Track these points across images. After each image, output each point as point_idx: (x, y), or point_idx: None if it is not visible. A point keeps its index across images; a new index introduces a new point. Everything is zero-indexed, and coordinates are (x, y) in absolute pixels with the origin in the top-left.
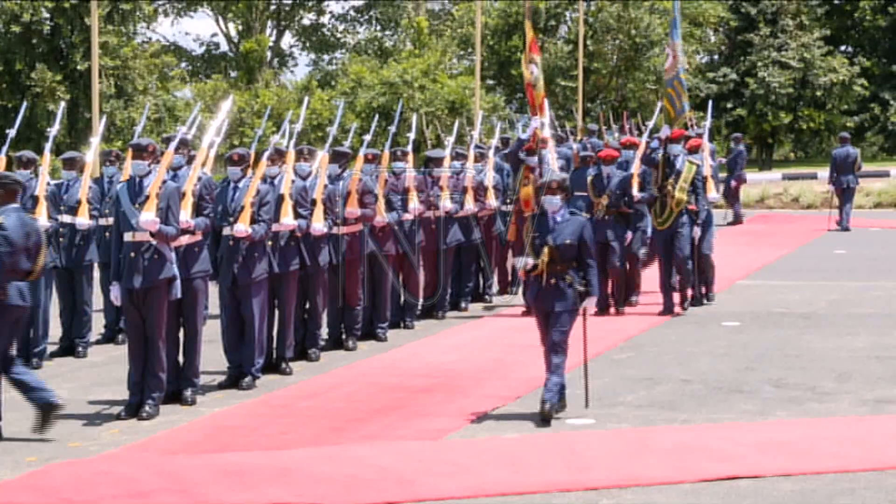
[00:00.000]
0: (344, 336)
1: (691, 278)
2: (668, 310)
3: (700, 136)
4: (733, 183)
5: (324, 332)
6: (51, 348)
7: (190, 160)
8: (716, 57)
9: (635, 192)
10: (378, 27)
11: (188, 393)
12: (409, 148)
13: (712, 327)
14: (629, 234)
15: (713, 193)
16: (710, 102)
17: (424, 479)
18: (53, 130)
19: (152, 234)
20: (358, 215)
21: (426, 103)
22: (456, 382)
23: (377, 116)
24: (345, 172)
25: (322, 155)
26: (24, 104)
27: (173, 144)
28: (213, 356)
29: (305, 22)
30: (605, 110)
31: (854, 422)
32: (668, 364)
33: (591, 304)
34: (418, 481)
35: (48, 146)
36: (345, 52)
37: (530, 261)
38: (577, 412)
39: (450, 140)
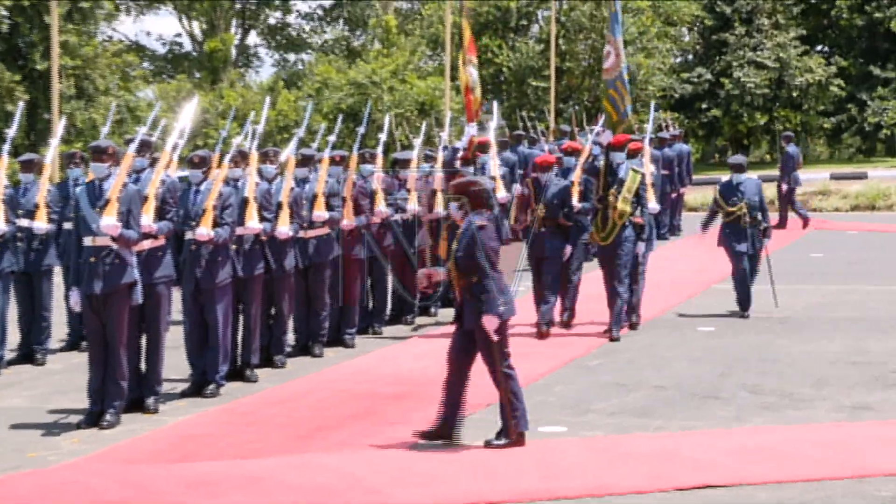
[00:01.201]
0: (310, 342)
1: (628, 296)
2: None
3: (673, 137)
4: (784, 186)
5: (290, 338)
6: (9, 356)
7: (153, 162)
8: (690, 57)
9: (575, 202)
10: (345, 26)
11: (150, 401)
12: (380, 150)
13: (687, 332)
14: (568, 248)
15: (653, 203)
16: (652, 105)
17: (394, 488)
18: (11, 132)
19: (113, 239)
20: (325, 218)
21: (395, 104)
22: (426, 389)
23: (342, 117)
24: (311, 175)
25: (289, 157)
26: None
27: (133, 146)
28: (176, 363)
29: (271, 21)
30: (579, 111)
31: (831, 428)
32: (641, 370)
33: (488, 323)
34: (388, 491)
35: (5, 148)
36: (311, 52)
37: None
38: (549, 419)
39: (417, 142)
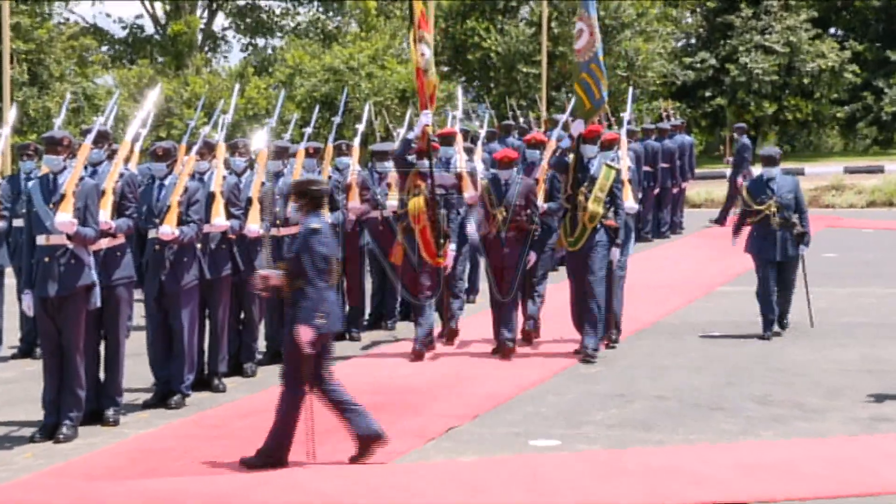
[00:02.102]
0: (283, 349)
1: (600, 314)
2: (584, 349)
3: (673, 127)
4: (739, 180)
5: (261, 344)
6: None
7: (111, 155)
8: (693, 41)
9: (541, 202)
10: (320, 8)
11: (110, 412)
12: (357, 141)
13: (689, 339)
14: (532, 256)
15: (630, 202)
16: (631, 90)
17: None
18: None
19: (69, 237)
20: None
21: (374, 92)
22: (407, 399)
23: (318, 106)
24: (286, 168)
25: (260, 150)
26: None
27: (90, 137)
28: (137, 372)
29: (240, 2)
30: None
31: (845, 442)
32: (640, 379)
33: (301, 333)
34: None
35: None
36: (283, 36)
37: None
38: (540, 432)
39: (400, 132)
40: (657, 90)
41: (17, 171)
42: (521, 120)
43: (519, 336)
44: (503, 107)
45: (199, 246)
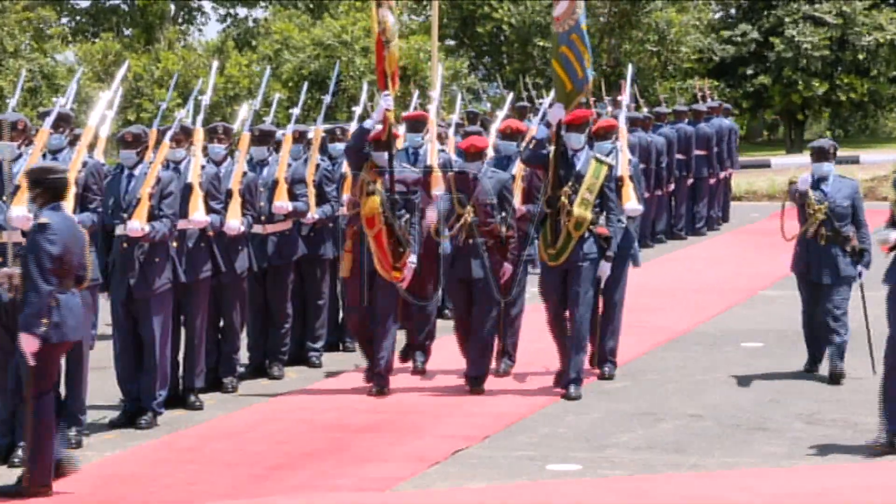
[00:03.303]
0: (267, 361)
1: (584, 342)
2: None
3: (710, 109)
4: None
5: (243, 356)
6: None
7: (73, 141)
8: (733, 11)
9: (518, 203)
10: None
11: (72, 433)
12: (353, 125)
13: (728, 349)
14: (507, 267)
15: (632, 202)
16: (631, 67)
17: None
18: None
19: (24, 234)
20: (289, 210)
21: (370, 69)
22: (407, 419)
23: (307, 85)
24: (271, 157)
25: (242, 134)
26: None
27: (49, 121)
28: (103, 387)
29: None
30: (597, 77)
31: None
32: (671, 396)
33: (24, 343)
34: None
35: None
36: (267, 6)
37: None
38: (559, 455)
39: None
40: (692, 67)
41: None
42: (538, 101)
43: (493, 366)
44: (517, 86)
45: (173, 245)
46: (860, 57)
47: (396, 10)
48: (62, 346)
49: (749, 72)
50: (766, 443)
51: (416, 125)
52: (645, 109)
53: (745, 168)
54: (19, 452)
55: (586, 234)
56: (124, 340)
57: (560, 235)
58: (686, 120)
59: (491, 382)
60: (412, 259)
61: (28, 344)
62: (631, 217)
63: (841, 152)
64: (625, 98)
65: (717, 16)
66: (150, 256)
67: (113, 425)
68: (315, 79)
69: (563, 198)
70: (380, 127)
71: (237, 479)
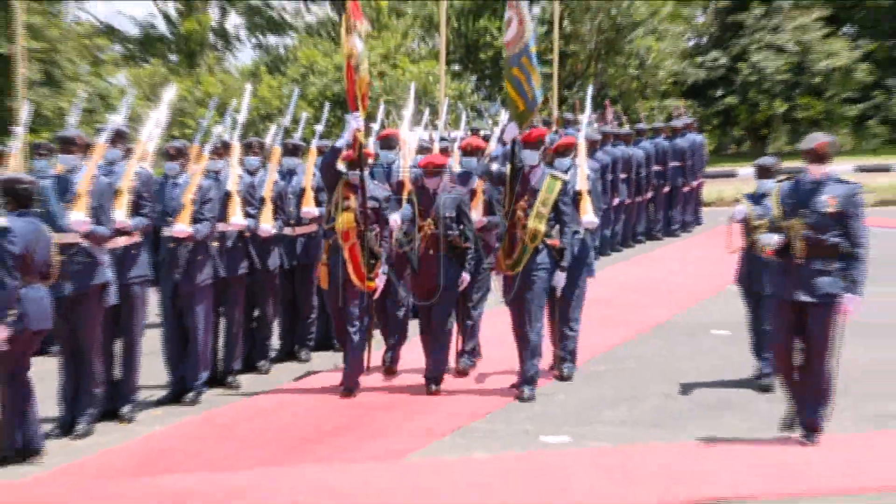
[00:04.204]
0: (296, 347)
1: (538, 347)
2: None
3: (685, 126)
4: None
5: (274, 342)
6: None
7: (127, 154)
8: (704, 40)
9: (479, 215)
10: (332, 7)
11: (125, 410)
12: (371, 141)
13: (699, 337)
14: (465, 276)
15: (589, 215)
16: (591, 88)
17: (384, 503)
18: None
19: (83, 236)
20: (314, 215)
21: (386, 91)
22: (418, 399)
23: (330, 105)
24: (299, 167)
25: (273, 148)
26: None
27: (105, 136)
28: (152, 369)
29: (252, 1)
30: (584, 98)
31: (855, 439)
32: (650, 377)
33: None
34: None
35: None
36: (295, 35)
37: None
38: (550, 429)
39: (416, 130)
40: (668, 89)
41: (31, 169)
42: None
43: (453, 366)
44: None
45: (215, 244)
46: (816, 80)
47: (396, 39)
48: (26, 334)
49: (719, 93)
50: (733, 418)
51: (389, 143)
52: (627, 126)
53: (715, 178)
54: (80, 427)
55: (541, 246)
56: (171, 329)
57: (517, 246)
58: (663, 135)
59: (492, 366)
60: (384, 269)
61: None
62: (588, 229)
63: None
64: (584, 116)
65: (691, 44)
66: (193, 255)
67: (161, 403)
68: (337, 99)
69: (518, 211)
70: (349, 148)
71: (270, 450)
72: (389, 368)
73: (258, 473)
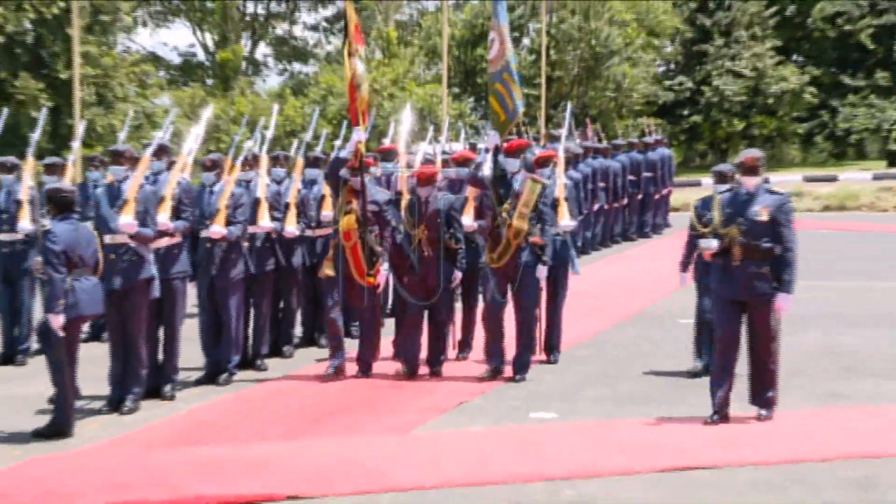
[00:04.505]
0: (316, 334)
1: (535, 331)
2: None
3: (656, 141)
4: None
5: (297, 330)
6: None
7: (169, 165)
8: (672, 66)
9: (470, 220)
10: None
11: (167, 389)
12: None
13: (669, 326)
14: (457, 274)
15: (566, 220)
16: (569, 106)
17: (393, 471)
18: (35, 136)
19: (131, 237)
20: (332, 218)
21: (395, 110)
22: (423, 378)
23: (346, 123)
24: (320, 176)
25: (297, 159)
26: (6, 111)
27: (150, 150)
28: (191, 354)
29: (279, 32)
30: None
31: (805, 415)
32: (627, 360)
33: (52, 321)
34: (387, 473)
35: (30, 151)
36: (316, 62)
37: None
38: (540, 406)
39: (421, 145)
40: (641, 109)
41: (86, 179)
42: (525, 135)
43: (452, 356)
44: None
45: (245, 244)
46: (769, 101)
47: (404, 66)
48: (80, 320)
49: (685, 112)
50: (698, 397)
51: (388, 155)
52: (605, 142)
53: (682, 186)
54: (128, 404)
55: (524, 244)
56: (207, 318)
57: (500, 244)
58: (636, 150)
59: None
60: (385, 266)
61: (53, 321)
62: (566, 231)
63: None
64: (563, 131)
65: (661, 70)
66: (227, 254)
67: (198, 383)
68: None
69: (503, 213)
70: (352, 157)
71: (293, 424)
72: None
73: (283, 445)
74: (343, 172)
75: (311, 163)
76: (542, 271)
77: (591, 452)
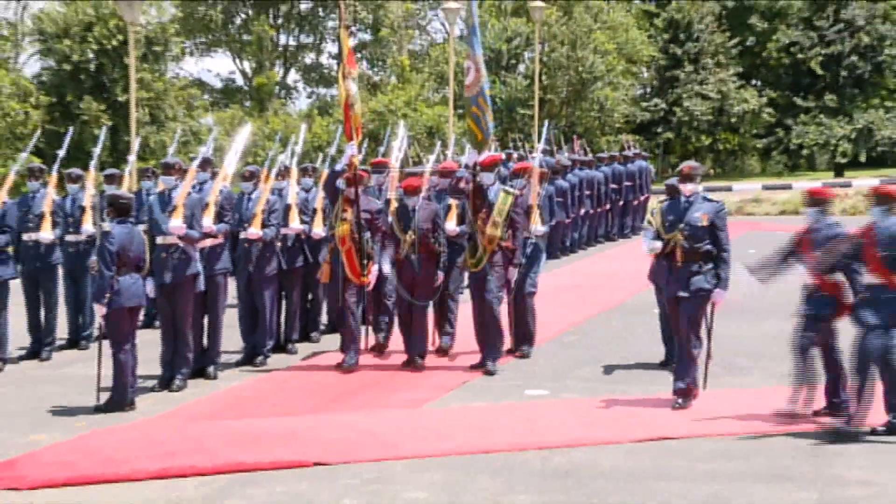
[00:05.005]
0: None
1: (500, 331)
2: (483, 364)
3: (635, 154)
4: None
5: (323, 318)
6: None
7: (213, 176)
8: (648, 90)
9: (453, 226)
10: (368, 65)
11: (211, 369)
12: (397, 165)
13: (646, 316)
14: (440, 274)
15: (538, 226)
16: (546, 123)
17: (406, 441)
18: (97, 151)
19: (180, 238)
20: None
21: (407, 129)
22: (433, 360)
23: (367, 140)
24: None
25: (322, 171)
26: (72, 129)
27: (196, 162)
28: (231, 339)
29: (307, 61)
30: (557, 134)
31: (764, 392)
32: (609, 346)
33: (97, 310)
34: (401, 443)
35: (93, 164)
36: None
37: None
38: (534, 385)
39: (430, 158)
40: (622, 127)
41: (140, 188)
42: (519, 151)
43: (434, 348)
44: (506, 139)
45: (278, 244)
46: (732, 120)
47: (415, 90)
48: (123, 310)
49: (659, 130)
50: (670, 376)
51: (380, 168)
52: (590, 155)
53: (658, 193)
54: (177, 382)
55: (496, 248)
56: (245, 308)
57: (478, 249)
58: (617, 162)
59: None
60: (376, 268)
61: (98, 311)
62: (538, 236)
63: (718, 183)
64: (539, 146)
65: (638, 93)
66: (262, 252)
67: (237, 364)
68: (372, 135)
69: (479, 221)
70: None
71: (319, 400)
72: (381, 346)
73: (309, 418)
74: (339, 183)
75: (376, 171)
76: (512, 273)
77: (578, 425)
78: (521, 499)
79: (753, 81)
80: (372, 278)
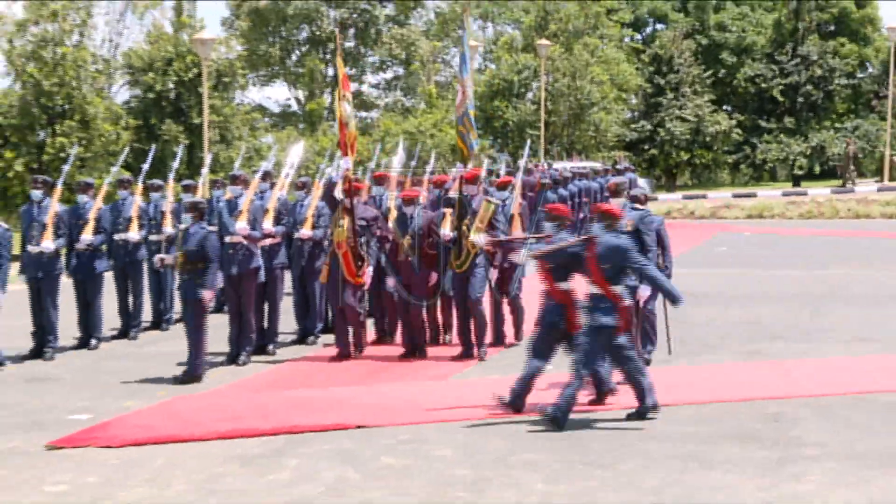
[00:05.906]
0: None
1: (486, 323)
2: (466, 354)
3: (625, 168)
4: None
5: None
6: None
7: (272, 186)
8: (636, 113)
9: (445, 230)
10: (402, 93)
11: (270, 347)
12: (426, 176)
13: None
14: (433, 275)
15: (518, 232)
16: (528, 143)
17: (436, 406)
18: (175, 165)
19: (245, 237)
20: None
21: (435, 147)
22: (457, 340)
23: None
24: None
25: (365, 182)
26: (155, 147)
27: (258, 175)
28: (287, 322)
29: (351, 89)
30: (560, 150)
31: (733, 366)
32: None
33: (205, 295)
34: (432, 408)
35: (171, 176)
36: (378, 110)
37: None
38: None
39: (452, 171)
40: (614, 145)
41: (212, 196)
42: (529, 164)
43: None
44: (517, 155)
45: (326, 243)
46: (707, 139)
47: (441, 113)
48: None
49: (645, 147)
50: (656, 354)
51: (380, 180)
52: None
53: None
54: (242, 358)
55: (479, 251)
56: (298, 296)
57: (463, 253)
58: (610, 174)
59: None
60: (369, 270)
61: (206, 296)
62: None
63: (695, 192)
64: (522, 162)
65: (628, 116)
66: (312, 249)
67: (292, 343)
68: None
69: (464, 227)
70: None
71: (361, 373)
72: (384, 338)
73: (352, 388)
74: (337, 193)
75: (377, 183)
76: (492, 273)
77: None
78: (526, 456)
79: (724, 106)
80: (367, 279)
